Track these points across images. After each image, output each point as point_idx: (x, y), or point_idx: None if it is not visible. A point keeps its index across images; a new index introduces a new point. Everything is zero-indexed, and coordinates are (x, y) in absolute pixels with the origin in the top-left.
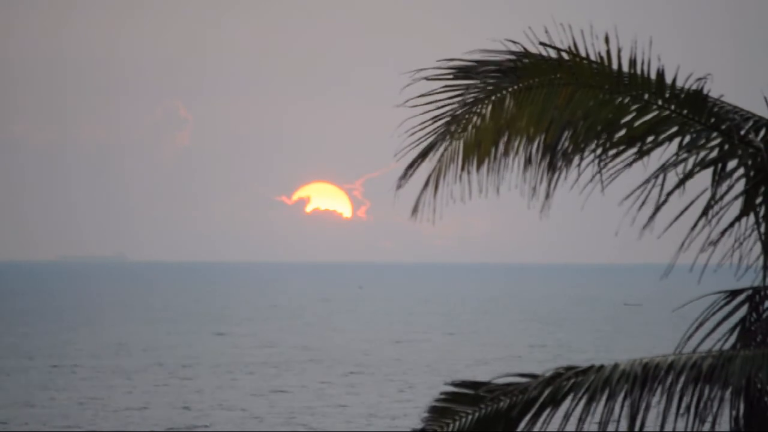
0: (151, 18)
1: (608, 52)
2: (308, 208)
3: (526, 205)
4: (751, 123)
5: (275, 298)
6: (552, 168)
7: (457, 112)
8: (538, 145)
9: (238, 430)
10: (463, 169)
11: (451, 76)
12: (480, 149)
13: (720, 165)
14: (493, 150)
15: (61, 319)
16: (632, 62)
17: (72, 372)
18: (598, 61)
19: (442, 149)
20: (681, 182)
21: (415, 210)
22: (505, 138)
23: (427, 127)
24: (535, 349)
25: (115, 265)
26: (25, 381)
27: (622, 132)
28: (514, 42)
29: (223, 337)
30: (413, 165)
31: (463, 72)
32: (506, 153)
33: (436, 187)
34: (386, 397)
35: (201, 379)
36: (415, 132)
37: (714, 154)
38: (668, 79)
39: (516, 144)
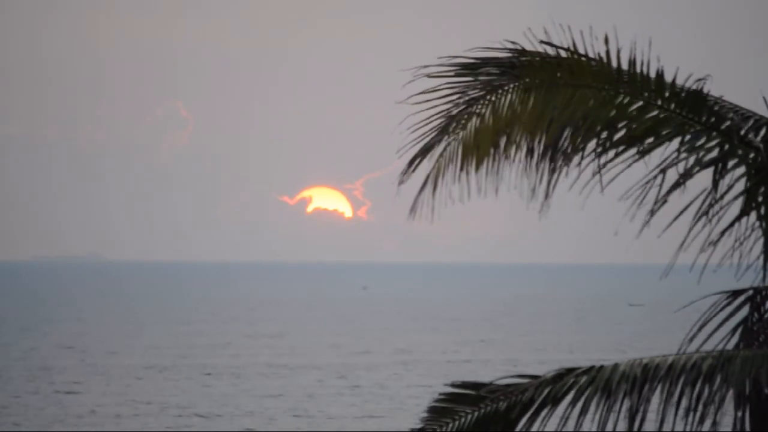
0: (152, 18)
1: (608, 52)
2: (309, 208)
3: (526, 205)
4: (751, 122)
5: (292, 297)
6: (552, 168)
7: (453, 112)
8: (538, 145)
9: (240, 430)
10: (462, 169)
11: (452, 74)
12: (479, 150)
13: (720, 165)
14: (492, 150)
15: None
16: (632, 62)
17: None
18: (598, 60)
19: (441, 149)
20: (680, 182)
21: (413, 209)
22: (504, 138)
23: (428, 124)
24: (537, 349)
25: (127, 265)
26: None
27: (622, 132)
28: (513, 42)
29: (231, 336)
30: (415, 160)
31: (465, 69)
32: (506, 153)
33: (435, 187)
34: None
35: (206, 380)
36: (417, 129)
37: (714, 154)
38: (668, 79)
39: (515, 144)
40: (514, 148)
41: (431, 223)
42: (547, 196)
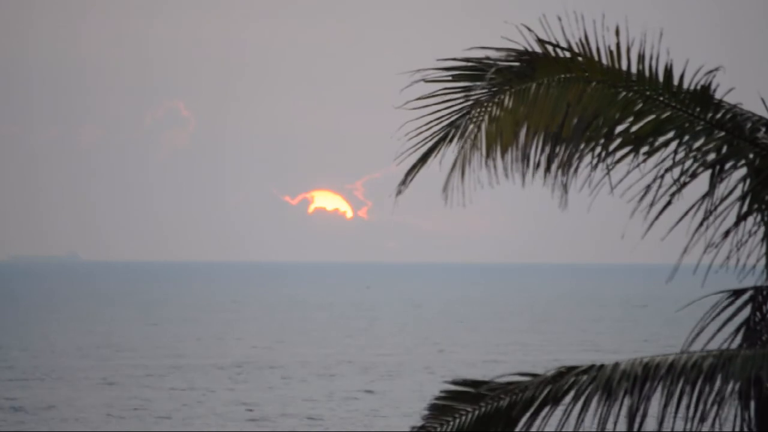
0: (153, 18)
1: (618, 46)
2: (311, 209)
3: (527, 205)
4: (752, 123)
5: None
6: (567, 164)
7: (454, 118)
8: (551, 141)
9: (242, 431)
10: (488, 156)
11: (450, 78)
12: (502, 139)
13: (724, 164)
14: (513, 142)
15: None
16: (641, 57)
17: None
18: (608, 56)
19: (465, 136)
20: (685, 182)
21: (444, 190)
22: (524, 131)
23: (425, 131)
24: (540, 349)
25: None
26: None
27: (630, 131)
28: (529, 29)
29: (237, 336)
30: (413, 170)
31: (463, 73)
32: (526, 146)
33: (463, 173)
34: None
35: (214, 381)
36: (414, 136)
37: (718, 153)
38: (676, 76)
39: (530, 139)
40: (529, 143)
41: (464, 207)
42: (565, 191)
